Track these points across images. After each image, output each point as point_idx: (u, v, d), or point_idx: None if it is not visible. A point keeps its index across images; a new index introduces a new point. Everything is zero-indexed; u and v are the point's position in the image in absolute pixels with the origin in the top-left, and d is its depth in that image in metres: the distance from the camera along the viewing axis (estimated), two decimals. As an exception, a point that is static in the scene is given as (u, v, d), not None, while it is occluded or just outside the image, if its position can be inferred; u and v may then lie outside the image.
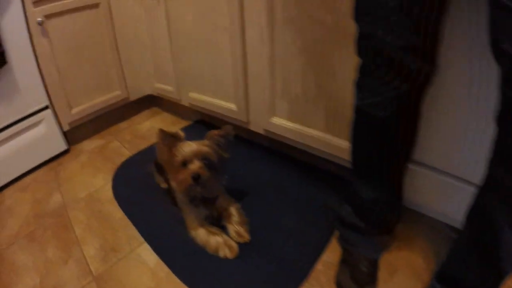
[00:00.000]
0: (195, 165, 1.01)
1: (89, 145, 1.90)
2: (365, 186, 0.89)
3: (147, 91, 2.06)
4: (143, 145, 1.81)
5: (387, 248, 1.02)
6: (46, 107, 1.66)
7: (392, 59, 0.67)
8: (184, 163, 1.03)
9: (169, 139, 1.06)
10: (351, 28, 0.93)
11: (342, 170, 1.30)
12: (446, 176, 0.92)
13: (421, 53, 0.68)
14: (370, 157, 0.85)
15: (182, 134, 1.09)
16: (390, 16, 0.64)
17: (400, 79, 0.69)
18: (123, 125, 2.08)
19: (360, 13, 0.70)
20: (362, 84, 0.78)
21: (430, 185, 0.97)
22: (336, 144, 1.18)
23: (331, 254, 1.06)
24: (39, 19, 1.49)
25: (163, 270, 1.09)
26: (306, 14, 1.05)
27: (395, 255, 1.02)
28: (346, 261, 0.98)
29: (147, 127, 2.02)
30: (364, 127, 0.82)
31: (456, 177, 0.91)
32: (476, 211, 0.71)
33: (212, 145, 1.06)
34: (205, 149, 1.04)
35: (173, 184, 1.09)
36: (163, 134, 1.06)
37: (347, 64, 1.01)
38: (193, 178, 0.99)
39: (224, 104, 1.53)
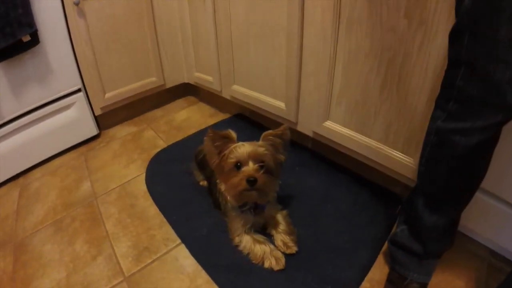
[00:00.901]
0: (251, 168, 0.91)
1: (121, 131, 1.83)
2: (430, 210, 0.85)
3: (184, 79, 1.98)
4: (179, 136, 1.72)
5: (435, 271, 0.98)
6: (78, 90, 1.61)
7: (495, 90, 0.63)
8: (238, 166, 0.93)
9: (220, 140, 0.96)
10: (425, 39, 0.86)
11: (390, 183, 1.23)
12: (506, 205, 0.90)
13: None
14: (443, 184, 0.81)
15: (234, 134, 0.99)
16: (503, 48, 0.60)
17: (495, 111, 0.66)
18: (157, 113, 2.00)
19: (467, 39, 0.65)
20: (446, 106, 0.73)
21: (485, 211, 0.94)
22: (392, 156, 1.09)
23: (378, 271, 1.00)
24: (76, -1, 1.43)
25: (202, 277, 1.01)
26: (377, 17, 0.96)
27: (438, 277, 0.96)
28: (393, 283, 0.94)
29: (183, 117, 1.93)
30: (441, 152, 0.78)
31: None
32: None
33: (267, 146, 0.96)
34: (261, 150, 0.93)
35: (223, 187, 0.99)
36: (214, 134, 0.95)
37: (415, 77, 0.93)
38: (248, 182, 0.89)
39: (271, 101, 1.44)
